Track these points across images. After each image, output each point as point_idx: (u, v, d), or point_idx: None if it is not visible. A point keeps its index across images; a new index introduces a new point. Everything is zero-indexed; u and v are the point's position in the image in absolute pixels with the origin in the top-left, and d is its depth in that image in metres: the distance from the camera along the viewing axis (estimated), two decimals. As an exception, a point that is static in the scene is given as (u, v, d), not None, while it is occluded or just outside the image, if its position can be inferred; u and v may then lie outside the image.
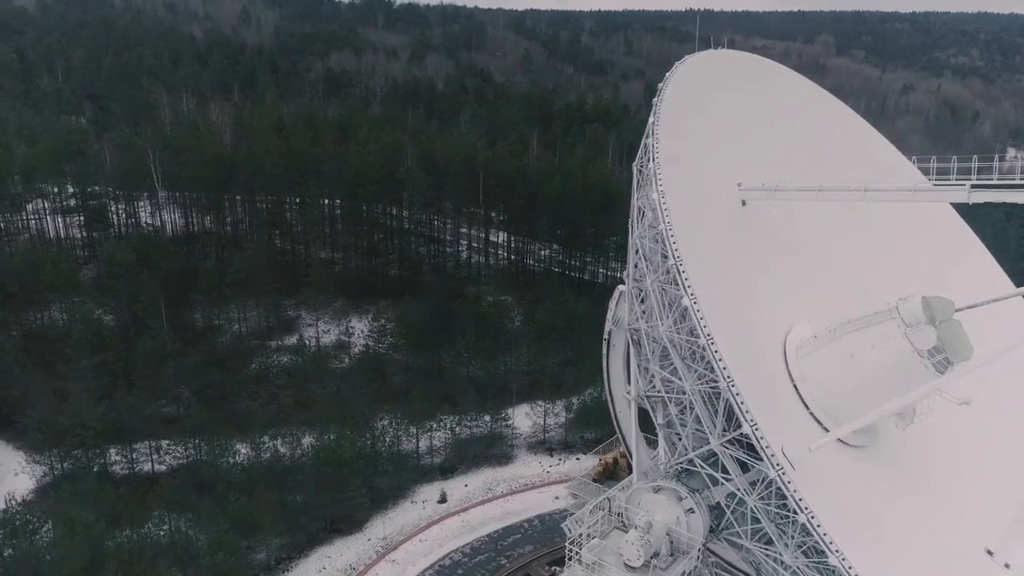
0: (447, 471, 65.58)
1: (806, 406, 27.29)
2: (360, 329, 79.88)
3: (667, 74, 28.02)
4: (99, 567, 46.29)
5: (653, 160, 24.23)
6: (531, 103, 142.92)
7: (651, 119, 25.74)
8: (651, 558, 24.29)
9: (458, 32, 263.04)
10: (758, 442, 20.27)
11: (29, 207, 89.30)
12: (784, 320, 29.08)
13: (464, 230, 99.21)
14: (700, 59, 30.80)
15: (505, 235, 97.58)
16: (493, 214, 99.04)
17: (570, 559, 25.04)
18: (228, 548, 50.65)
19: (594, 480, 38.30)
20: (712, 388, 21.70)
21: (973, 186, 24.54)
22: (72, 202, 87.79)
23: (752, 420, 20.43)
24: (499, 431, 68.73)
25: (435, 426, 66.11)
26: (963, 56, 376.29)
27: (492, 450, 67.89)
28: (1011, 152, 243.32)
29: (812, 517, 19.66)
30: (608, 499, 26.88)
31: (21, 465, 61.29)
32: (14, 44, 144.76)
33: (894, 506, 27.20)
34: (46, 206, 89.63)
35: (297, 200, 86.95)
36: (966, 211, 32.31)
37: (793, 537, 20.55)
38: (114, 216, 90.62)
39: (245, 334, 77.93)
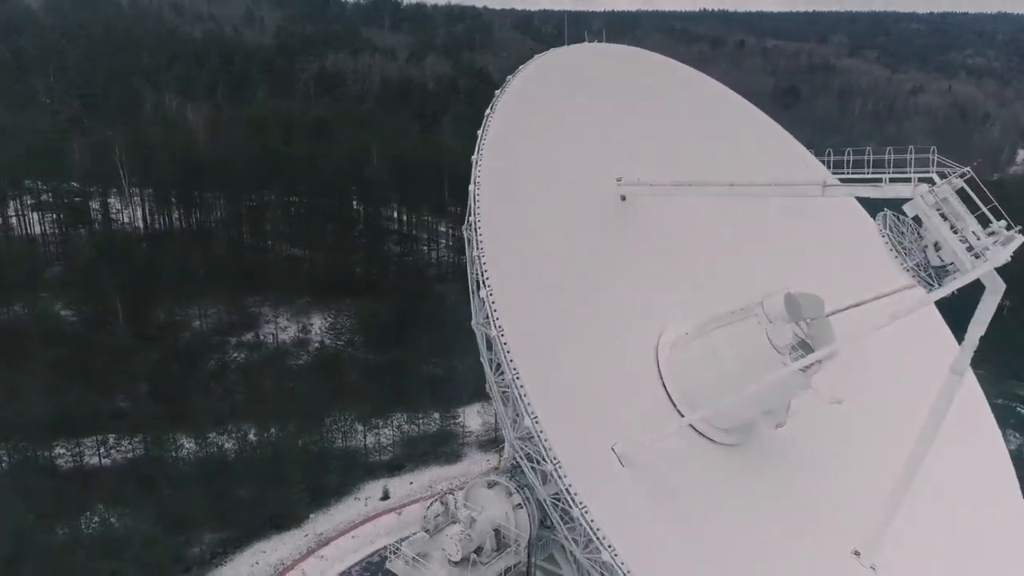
0: (395, 468, 65.64)
1: (673, 404, 26.95)
2: (321, 327, 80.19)
3: (519, 67, 27.73)
4: (21, 560, 46.75)
5: (477, 151, 24.01)
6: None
7: (487, 111, 25.51)
8: (474, 553, 24.06)
9: (462, 32, 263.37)
10: (537, 435, 19.97)
11: (12, 204, 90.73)
12: (662, 318, 28.62)
13: (441, 228, 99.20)
14: (569, 52, 30.50)
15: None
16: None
17: (392, 554, 24.90)
18: (153, 542, 51.08)
19: (492, 478, 37.98)
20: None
21: (827, 183, 24.05)
22: (43, 198, 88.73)
23: (533, 413, 20.11)
24: (450, 429, 68.68)
25: (381, 423, 66.23)
26: (979, 57, 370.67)
27: (442, 448, 67.85)
28: (1022, 154, 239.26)
29: (585, 512, 19.34)
30: (451, 494, 26.65)
31: (-29, 457, 62.10)
32: (13, 43, 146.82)
33: (752, 505, 26.79)
34: (23, 203, 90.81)
35: (264, 198, 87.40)
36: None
37: (581, 534, 20.24)
38: (91, 213, 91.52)
39: (207, 330, 78.39)
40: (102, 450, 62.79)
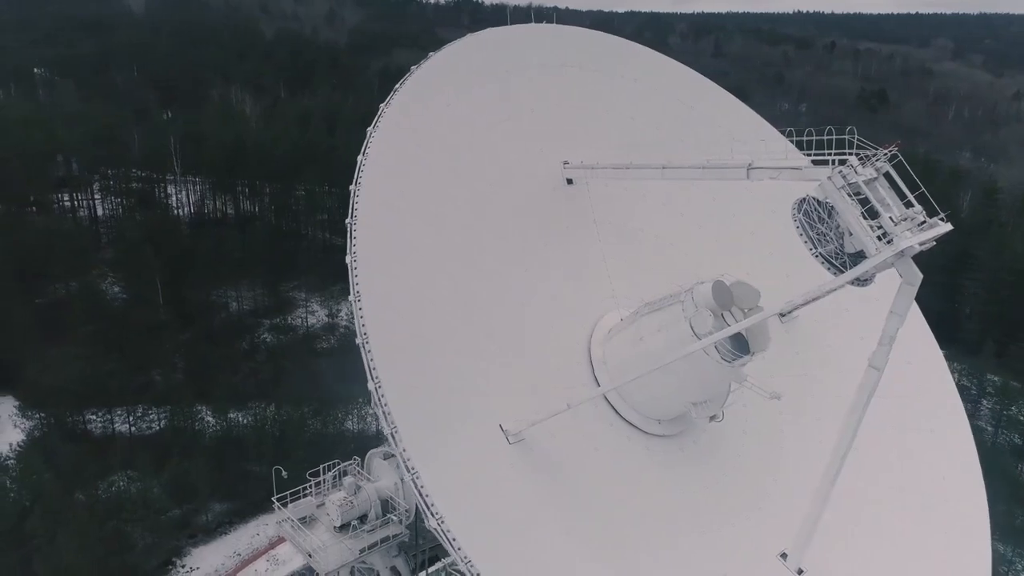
0: (406, 453, 66.44)
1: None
2: (348, 312, 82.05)
3: (446, 45, 27.75)
4: (29, 513, 49.94)
5: (375, 126, 24.17)
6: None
7: (397, 85, 25.63)
8: (358, 520, 24.39)
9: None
10: (379, 400, 20.02)
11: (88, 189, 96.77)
12: (604, 304, 28.15)
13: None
14: (510, 32, 30.30)
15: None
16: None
17: (281, 518, 25.50)
18: (164, 508, 53.69)
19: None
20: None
21: (752, 166, 23.23)
22: (109, 183, 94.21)
23: (377, 378, 20.17)
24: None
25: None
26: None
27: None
28: None
29: (416, 477, 19.24)
30: (354, 463, 27.15)
31: (15, 420, 66.52)
32: (105, 38, 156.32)
33: (669, 499, 26.10)
34: (92, 189, 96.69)
35: (308, 188, 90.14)
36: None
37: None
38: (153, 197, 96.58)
39: (243, 312, 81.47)
40: (131, 419, 66.09)
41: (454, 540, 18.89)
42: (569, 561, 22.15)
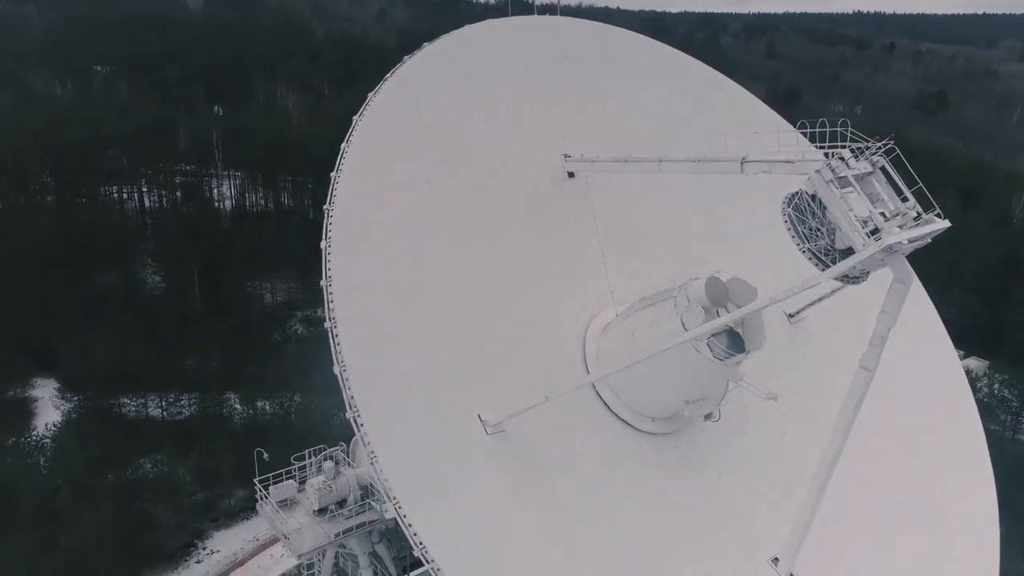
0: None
1: (593, 385, 26.32)
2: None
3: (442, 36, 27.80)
4: (59, 491, 51.72)
5: (361, 114, 24.32)
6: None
7: (388, 74, 25.77)
8: (336, 505, 24.57)
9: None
10: (343, 383, 20.10)
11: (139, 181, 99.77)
12: (603, 299, 27.87)
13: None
14: (509, 23, 30.23)
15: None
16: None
17: (261, 499, 25.83)
18: (190, 491, 55.14)
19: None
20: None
21: (746, 159, 22.78)
22: (159, 177, 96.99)
23: (342, 362, 20.24)
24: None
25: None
26: None
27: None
28: None
29: (375, 460, 19.23)
30: (340, 448, 27.47)
31: (55, 401, 68.97)
32: (159, 37, 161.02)
33: (656, 499, 25.70)
34: (140, 183, 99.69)
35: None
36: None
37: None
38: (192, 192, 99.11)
39: (278, 304, 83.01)
40: (163, 404, 67.88)
41: (410, 526, 18.86)
42: (541, 558, 21.88)
